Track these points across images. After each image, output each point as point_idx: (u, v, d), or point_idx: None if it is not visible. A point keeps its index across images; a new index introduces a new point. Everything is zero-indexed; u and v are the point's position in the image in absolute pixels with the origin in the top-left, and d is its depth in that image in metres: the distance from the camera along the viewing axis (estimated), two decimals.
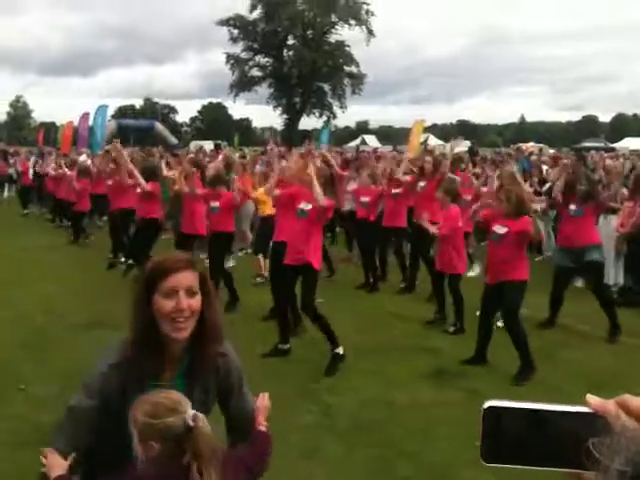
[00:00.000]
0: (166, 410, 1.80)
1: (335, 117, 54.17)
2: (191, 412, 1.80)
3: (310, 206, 6.05)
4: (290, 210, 6.32)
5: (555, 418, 0.63)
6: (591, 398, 0.60)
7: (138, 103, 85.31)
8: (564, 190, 7.05)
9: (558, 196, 7.19)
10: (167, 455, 1.79)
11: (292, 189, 6.48)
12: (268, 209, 9.36)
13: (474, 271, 9.57)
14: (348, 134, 68.35)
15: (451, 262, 7.16)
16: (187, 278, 2.02)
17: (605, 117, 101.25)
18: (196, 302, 2.02)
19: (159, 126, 43.36)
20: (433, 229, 7.03)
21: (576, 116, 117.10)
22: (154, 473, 1.81)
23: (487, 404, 0.65)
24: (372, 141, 46.44)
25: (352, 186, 10.33)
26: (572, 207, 7.00)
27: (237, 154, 16.00)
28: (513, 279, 5.73)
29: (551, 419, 0.63)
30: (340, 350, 5.93)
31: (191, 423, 1.77)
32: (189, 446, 1.78)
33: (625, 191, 8.90)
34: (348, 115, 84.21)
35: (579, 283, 8.92)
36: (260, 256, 9.36)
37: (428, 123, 35.16)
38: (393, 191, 9.12)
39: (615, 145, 39.86)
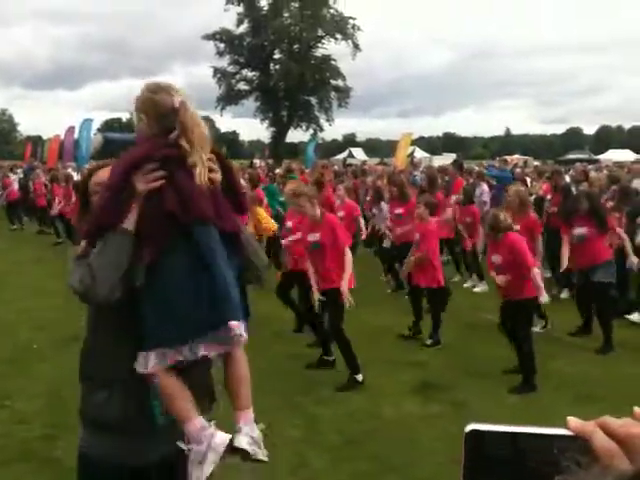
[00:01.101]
0: (160, 89, 2.07)
1: (322, 130, 54.24)
2: (179, 98, 2.04)
3: (318, 235, 5.92)
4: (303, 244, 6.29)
5: (537, 441, 0.61)
6: (571, 420, 0.59)
7: (125, 116, 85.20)
8: (565, 215, 7.14)
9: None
10: (156, 129, 2.05)
11: (296, 222, 6.55)
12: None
13: (480, 287, 9.63)
14: (335, 147, 68.55)
15: (429, 275, 7.14)
16: None
17: (589, 129, 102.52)
18: None
19: None
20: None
21: (561, 128, 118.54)
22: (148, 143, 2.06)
23: (469, 427, 0.63)
24: (359, 154, 46.59)
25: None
26: (575, 231, 7.01)
27: None
28: (520, 298, 5.83)
29: (533, 442, 0.61)
30: (359, 377, 5.87)
31: (177, 105, 2.02)
32: (176, 123, 2.02)
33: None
34: (335, 128, 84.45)
35: (564, 294, 8.98)
36: None
37: (414, 136, 35.31)
38: (395, 212, 9.05)
39: (599, 157, 40.24)
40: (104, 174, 2.19)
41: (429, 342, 7.10)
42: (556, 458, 0.58)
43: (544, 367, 6.31)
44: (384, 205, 10.04)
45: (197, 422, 2.04)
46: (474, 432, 0.63)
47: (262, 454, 2.14)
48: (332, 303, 5.91)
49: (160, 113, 2.03)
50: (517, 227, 6.85)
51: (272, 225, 9.25)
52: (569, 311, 7.54)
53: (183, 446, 2.04)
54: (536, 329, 6.62)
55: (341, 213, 9.38)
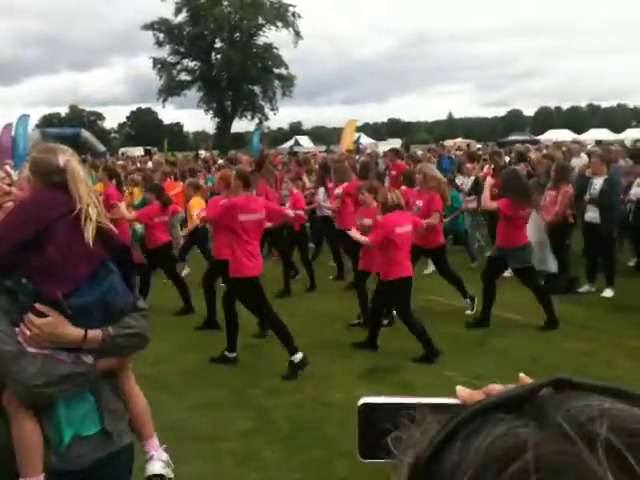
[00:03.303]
0: (47, 150, 2.22)
1: (267, 119, 54.05)
2: (64, 159, 2.17)
3: None
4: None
5: (426, 411, 0.64)
6: (460, 389, 0.60)
7: (64, 111, 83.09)
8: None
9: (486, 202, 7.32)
10: (47, 185, 2.18)
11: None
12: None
13: (428, 269, 9.69)
14: (281, 135, 68.32)
15: (375, 261, 7.15)
16: None
17: (529, 111, 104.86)
18: None
19: (85, 133, 42.08)
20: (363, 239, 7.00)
21: (501, 111, 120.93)
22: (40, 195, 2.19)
23: (361, 401, 0.64)
24: (305, 142, 46.52)
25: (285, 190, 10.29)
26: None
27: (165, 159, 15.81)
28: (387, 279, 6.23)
29: (423, 412, 0.64)
30: (295, 357, 5.85)
31: (61, 164, 2.15)
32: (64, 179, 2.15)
33: None
34: (281, 117, 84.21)
35: (506, 272, 9.18)
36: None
37: (360, 123, 35.49)
38: (336, 191, 9.06)
39: (539, 137, 41.17)
40: None
41: (385, 322, 7.12)
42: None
43: (487, 344, 6.47)
44: (321, 190, 10.07)
45: None
46: (365, 405, 0.64)
47: (171, 472, 2.47)
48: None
49: (46, 171, 2.18)
50: (420, 202, 7.39)
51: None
52: (509, 288, 7.72)
53: None
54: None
55: (288, 204, 9.36)
